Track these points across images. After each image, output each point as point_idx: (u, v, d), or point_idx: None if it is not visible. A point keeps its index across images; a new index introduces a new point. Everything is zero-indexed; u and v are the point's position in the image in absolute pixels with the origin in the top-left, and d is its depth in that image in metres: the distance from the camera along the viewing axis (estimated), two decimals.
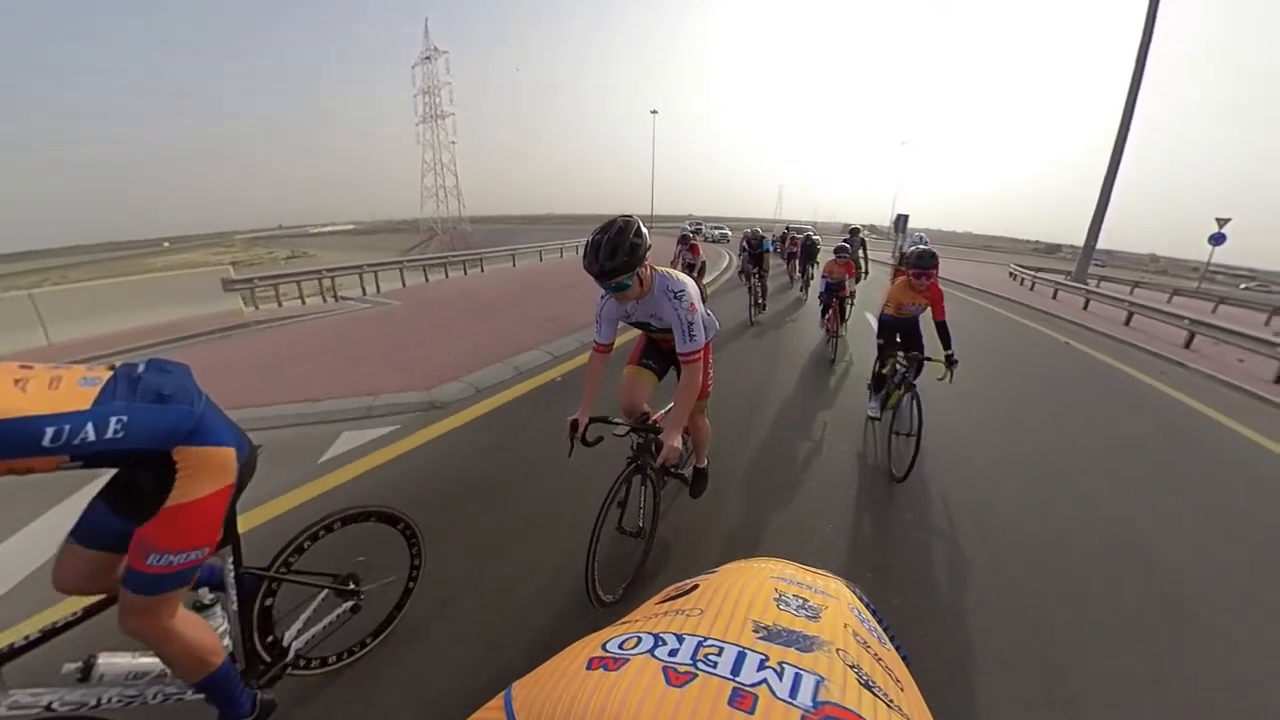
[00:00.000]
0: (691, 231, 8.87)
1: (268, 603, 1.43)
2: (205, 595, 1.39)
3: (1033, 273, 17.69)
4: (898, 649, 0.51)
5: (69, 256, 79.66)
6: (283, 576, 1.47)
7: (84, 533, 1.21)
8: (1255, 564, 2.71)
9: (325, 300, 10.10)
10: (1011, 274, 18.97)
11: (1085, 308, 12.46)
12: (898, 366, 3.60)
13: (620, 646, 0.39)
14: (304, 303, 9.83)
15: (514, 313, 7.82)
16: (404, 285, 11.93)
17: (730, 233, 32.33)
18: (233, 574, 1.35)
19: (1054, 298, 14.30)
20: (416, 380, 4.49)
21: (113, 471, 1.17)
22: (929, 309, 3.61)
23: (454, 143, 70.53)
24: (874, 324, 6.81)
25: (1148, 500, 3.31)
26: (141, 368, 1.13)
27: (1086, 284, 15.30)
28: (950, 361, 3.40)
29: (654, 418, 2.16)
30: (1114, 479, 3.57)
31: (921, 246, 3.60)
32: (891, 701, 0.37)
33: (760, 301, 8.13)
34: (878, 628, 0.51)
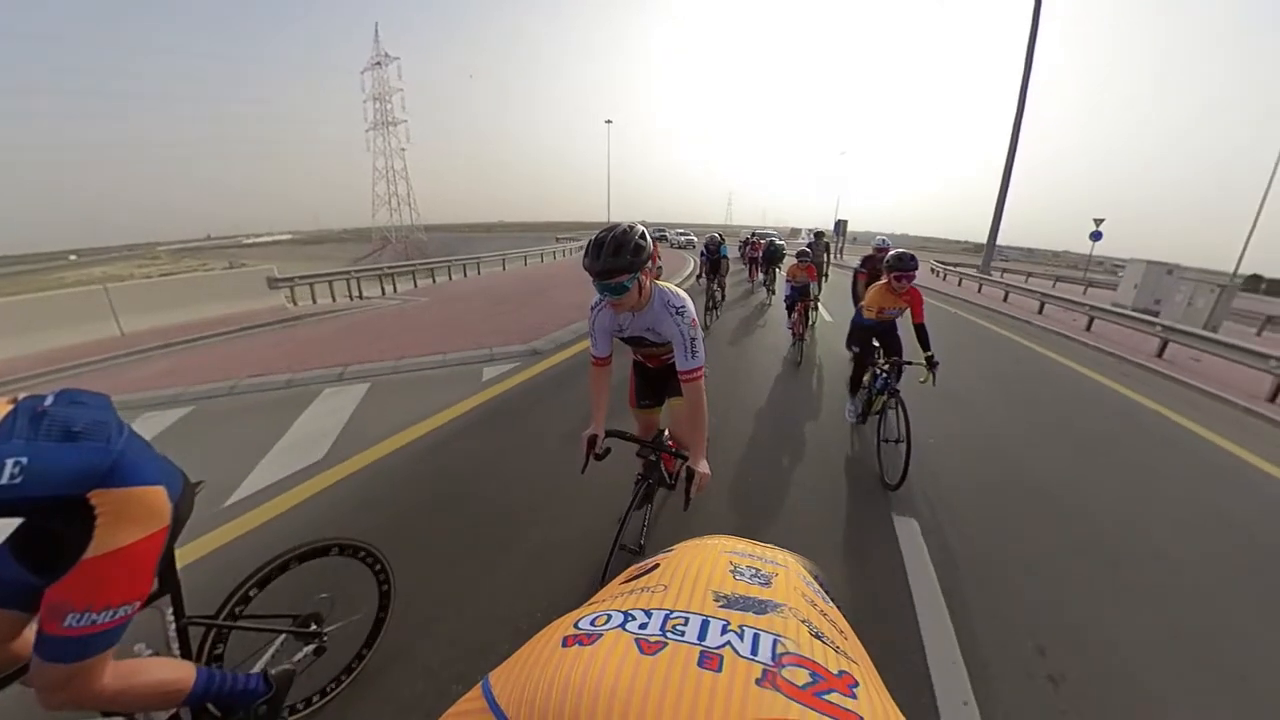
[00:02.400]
0: (656, 237, 10.06)
1: (217, 652, 1.32)
2: (142, 651, 1.21)
3: (946, 267, 21.06)
4: (839, 609, 0.56)
5: None
6: (232, 624, 1.34)
7: None
8: (1077, 446, 4.93)
9: (351, 299, 11.30)
10: (933, 269, 22.34)
11: (979, 290, 15.60)
12: (878, 372, 3.59)
13: (592, 624, 0.40)
14: (334, 300, 11.01)
15: (543, 300, 9.51)
16: (415, 286, 13.22)
17: (696, 239, 34.02)
18: (173, 626, 1.22)
19: (959, 285, 17.47)
20: (513, 339, 6.20)
21: (17, 520, 1.01)
22: (908, 311, 3.60)
23: (404, 149, 69.56)
24: (827, 315, 8.03)
25: (1002, 407, 5.54)
26: (49, 400, 0.98)
27: (990, 275, 18.63)
28: (931, 363, 3.43)
29: (668, 441, 2.18)
30: (974, 388, 5.81)
31: (899, 250, 3.53)
32: (838, 648, 0.40)
33: (715, 306, 8.30)
34: (821, 590, 0.56)
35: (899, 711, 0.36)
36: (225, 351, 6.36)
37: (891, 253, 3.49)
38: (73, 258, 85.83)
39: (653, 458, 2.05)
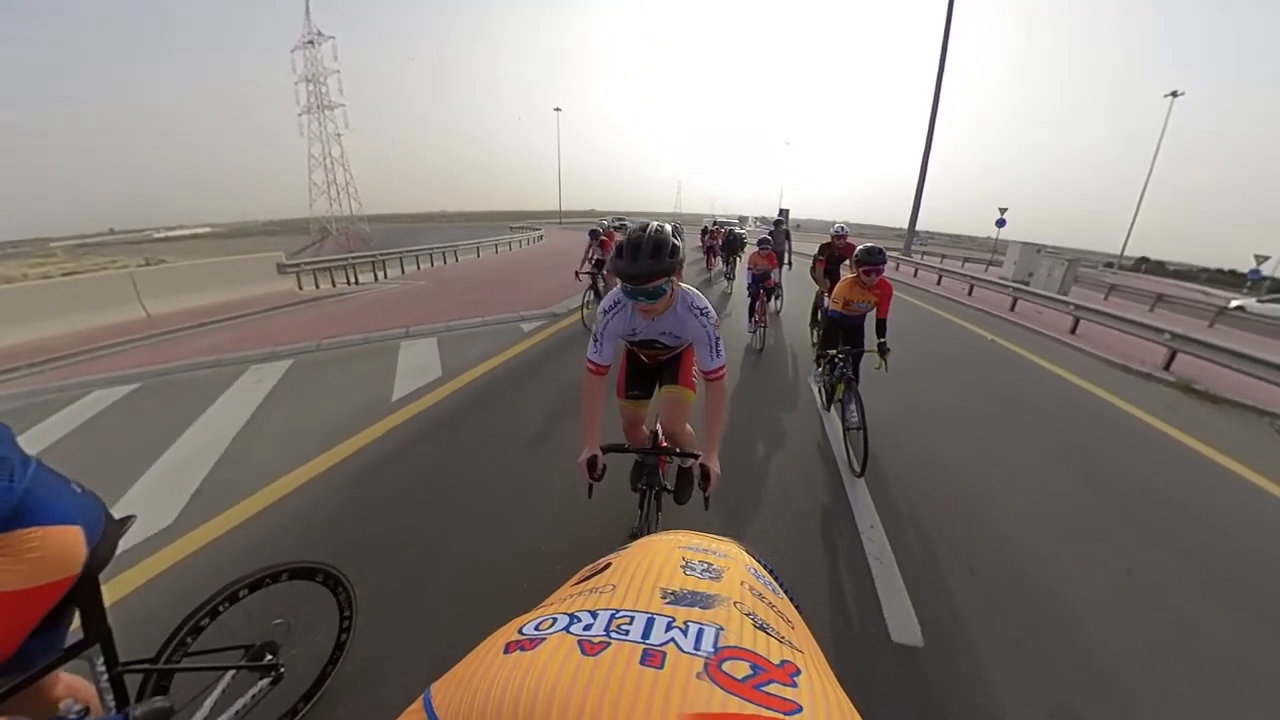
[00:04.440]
0: (615, 227, 10.31)
1: (157, 701, 1.18)
2: (69, 710, 1.04)
3: None
4: (790, 597, 0.57)
5: None
6: (174, 667, 1.22)
7: None
8: (948, 371, 7.05)
9: (349, 284, 12.21)
10: None
11: (897, 269, 18.42)
12: (838, 361, 3.64)
13: (536, 628, 0.40)
14: (335, 285, 11.91)
15: (537, 280, 10.94)
16: (403, 272, 14.17)
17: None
18: (105, 676, 1.10)
19: None
20: (533, 306, 7.72)
21: None
22: (876, 306, 3.55)
23: (340, 135, 66.26)
24: (787, 303, 8.93)
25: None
26: None
27: (909, 256, 21.63)
28: (883, 350, 3.47)
29: (660, 440, 2.17)
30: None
31: (867, 245, 3.52)
32: (783, 638, 0.41)
33: None
34: (771, 580, 0.56)
35: (843, 694, 0.38)
36: (277, 324, 7.45)
37: (860, 248, 3.50)
38: None
39: (651, 461, 1.93)
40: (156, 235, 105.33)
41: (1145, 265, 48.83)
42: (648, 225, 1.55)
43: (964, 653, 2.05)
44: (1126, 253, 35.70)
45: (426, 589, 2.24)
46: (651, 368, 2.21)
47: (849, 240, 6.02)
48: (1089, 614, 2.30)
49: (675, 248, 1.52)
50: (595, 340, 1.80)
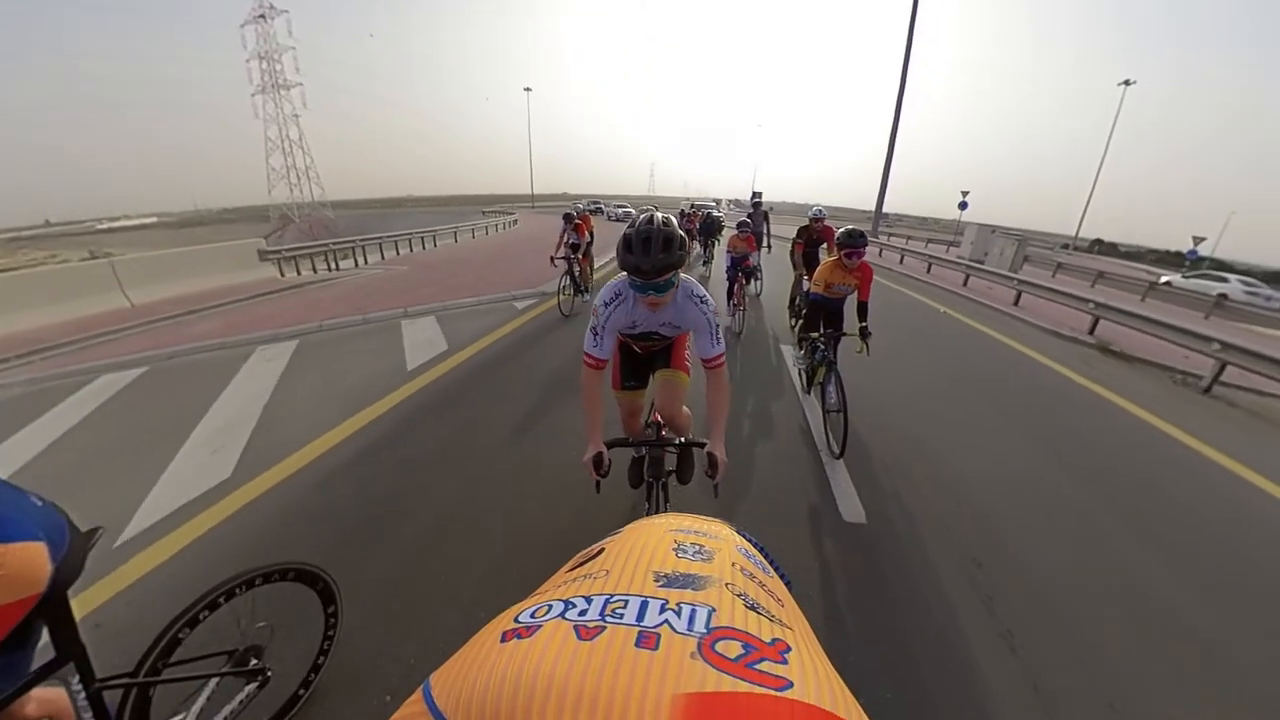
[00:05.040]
0: (591, 210, 10.63)
1: (141, 716, 1.17)
2: None
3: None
4: (781, 575, 0.58)
5: None
6: (154, 680, 1.20)
7: None
8: (910, 334, 7.79)
9: (330, 270, 12.23)
10: None
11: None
12: (818, 345, 3.66)
13: (532, 615, 0.41)
14: (315, 271, 11.91)
15: (519, 263, 11.23)
16: (383, 258, 14.18)
17: (634, 211, 35.38)
18: (82, 694, 1.08)
19: None
20: (523, 286, 8.10)
21: None
22: (857, 290, 3.56)
23: (298, 116, 63.08)
24: (767, 286, 9.21)
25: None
26: None
27: (875, 237, 22.58)
28: (864, 333, 3.49)
29: (661, 427, 2.21)
30: None
31: (848, 227, 3.54)
32: (774, 617, 0.42)
33: None
34: (762, 560, 0.58)
35: (832, 668, 0.39)
36: (269, 309, 7.61)
37: (841, 230, 3.54)
38: None
39: (654, 453, 1.93)
40: (99, 227, 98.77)
41: (1099, 247, 51.79)
42: (653, 217, 1.54)
43: (901, 529, 2.71)
44: (1086, 235, 37.99)
45: (468, 511, 2.73)
46: (645, 357, 2.23)
47: (826, 223, 6.15)
48: (992, 496, 3.02)
49: (683, 239, 1.54)
50: (595, 334, 1.75)
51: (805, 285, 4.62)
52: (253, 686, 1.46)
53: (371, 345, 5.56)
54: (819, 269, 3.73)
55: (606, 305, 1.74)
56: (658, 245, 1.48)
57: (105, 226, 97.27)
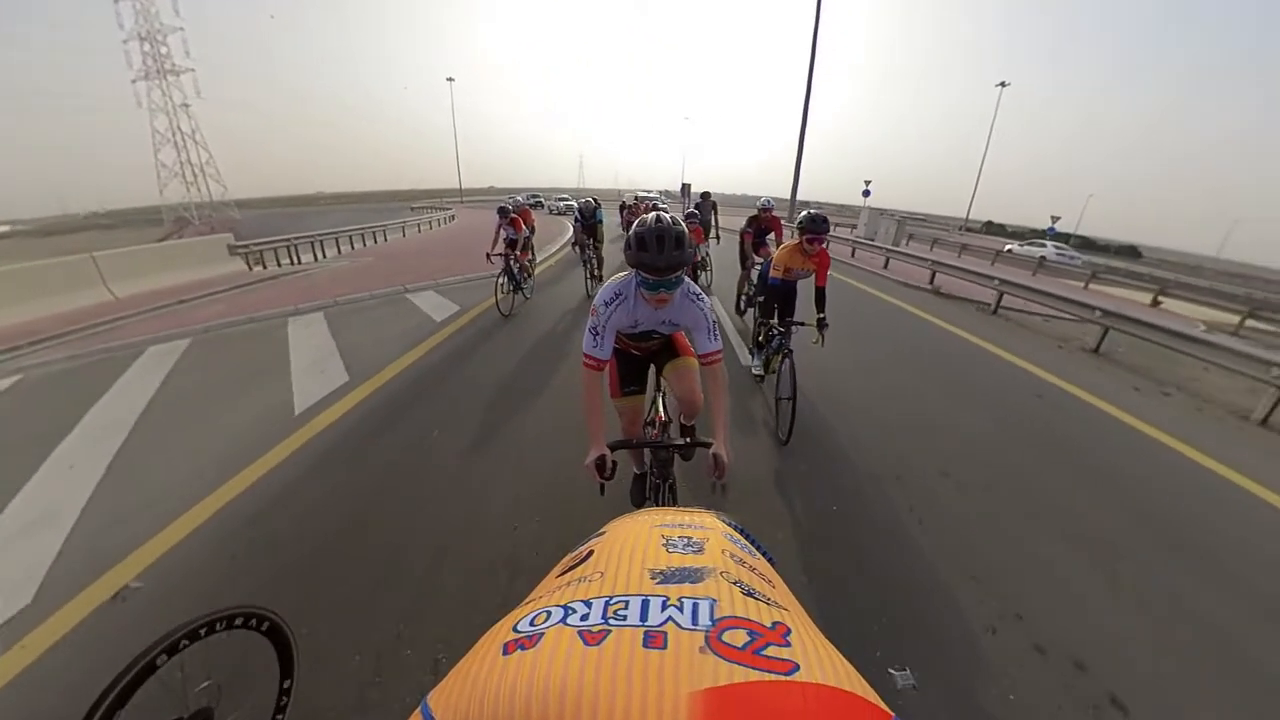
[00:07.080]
0: (531, 204, 10.91)
1: None
2: None
3: None
4: (765, 555, 0.59)
5: None
6: None
7: None
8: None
9: (294, 264, 12.80)
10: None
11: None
12: (774, 332, 3.67)
13: (531, 623, 0.40)
14: (280, 265, 12.47)
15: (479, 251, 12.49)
16: (340, 251, 14.76)
17: (576, 204, 33.97)
18: None
19: None
20: (480, 269, 9.50)
21: None
22: (814, 275, 3.59)
23: (189, 105, 57.24)
24: (710, 278, 12.39)
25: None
26: None
27: (793, 223, 25.60)
28: (821, 325, 3.54)
29: (679, 420, 2.17)
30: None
31: (811, 211, 3.46)
32: (770, 600, 0.43)
33: (597, 274, 8.40)
34: (746, 543, 0.58)
35: (830, 644, 0.39)
36: (262, 295, 8.50)
37: (803, 214, 3.50)
38: None
39: (664, 455, 1.89)
40: None
41: (989, 227, 59.63)
42: (660, 216, 1.57)
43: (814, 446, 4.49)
44: (979, 218, 43.97)
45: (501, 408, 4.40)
46: (642, 359, 2.24)
47: (774, 214, 6.32)
48: (857, 388, 5.12)
49: (689, 236, 1.57)
50: (595, 334, 1.74)
51: (754, 277, 5.01)
52: None
53: (392, 310, 6.90)
54: (779, 253, 3.83)
55: (607, 305, 1.74)
56: (670, 243, 1.53)
57: None
